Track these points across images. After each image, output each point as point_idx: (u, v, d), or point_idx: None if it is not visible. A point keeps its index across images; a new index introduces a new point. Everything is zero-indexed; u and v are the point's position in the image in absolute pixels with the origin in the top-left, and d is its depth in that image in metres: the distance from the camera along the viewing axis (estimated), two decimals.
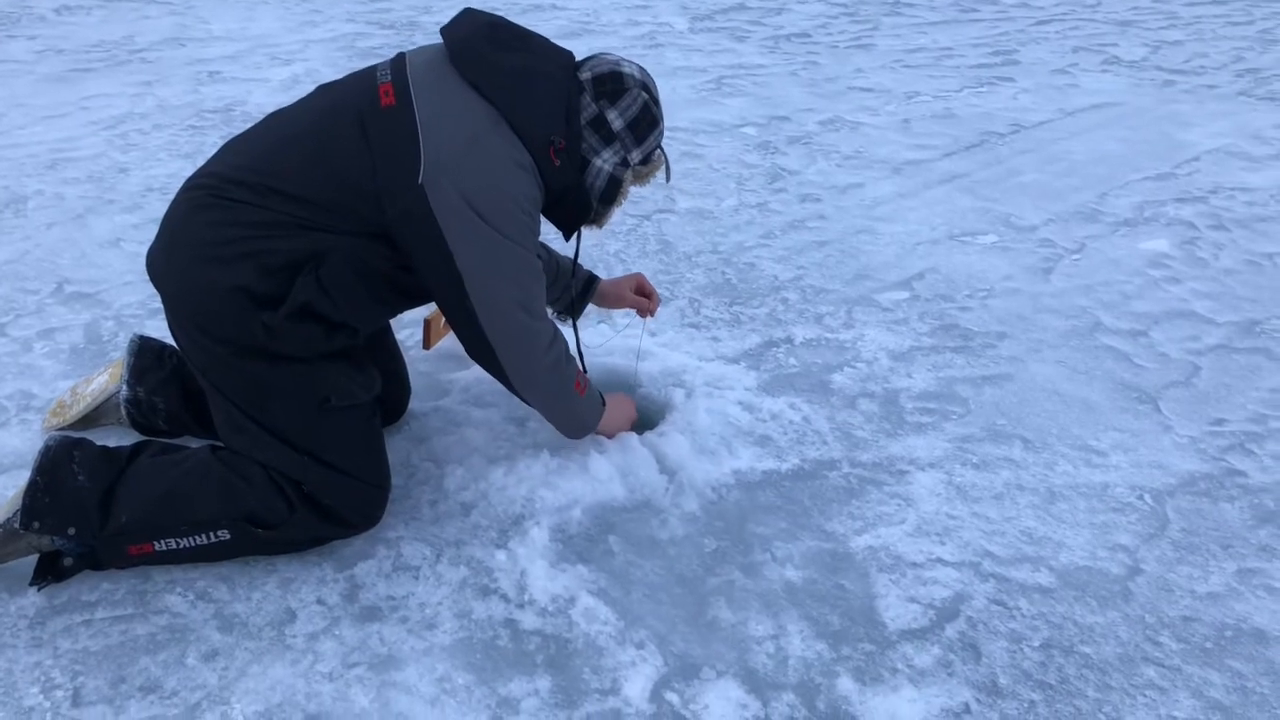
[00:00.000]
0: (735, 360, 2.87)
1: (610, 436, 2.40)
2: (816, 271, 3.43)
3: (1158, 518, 2.38)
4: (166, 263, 2.02)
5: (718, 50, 5.85)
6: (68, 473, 1.94)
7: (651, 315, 2.67)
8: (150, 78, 4.89)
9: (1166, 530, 2.34)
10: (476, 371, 2.66)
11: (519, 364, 2.11)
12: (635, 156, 2.14)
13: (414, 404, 2.54)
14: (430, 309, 2.71)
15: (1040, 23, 6.76)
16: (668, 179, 2.29)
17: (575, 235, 2.27)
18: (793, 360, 2.90)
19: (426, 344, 2.73)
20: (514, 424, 2.49)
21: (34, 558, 1.99)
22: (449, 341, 2.82)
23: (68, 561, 1.98)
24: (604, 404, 2.34)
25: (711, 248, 3.54)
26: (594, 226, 2.23)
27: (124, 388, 2.31)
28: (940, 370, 2.91)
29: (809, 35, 6.31)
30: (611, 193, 2.14)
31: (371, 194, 1.92)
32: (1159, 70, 5.93)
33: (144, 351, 2.33)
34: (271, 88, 4.74)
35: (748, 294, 3.25)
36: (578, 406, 2.26)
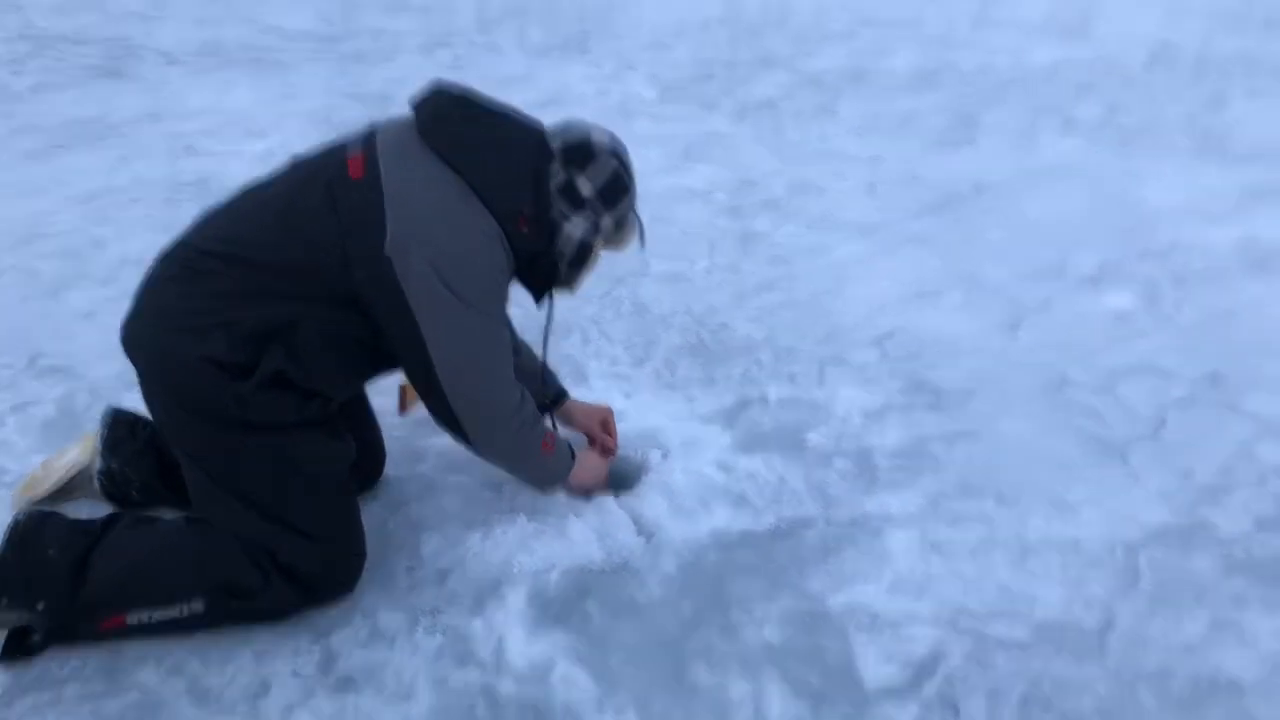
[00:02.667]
0: (711, 420, 2.89)
1: (583, 492, 2.41)
2: (788, 331, 3.47)
3: (1130, 570, 2.40)
4: (139, 334, 2.03)
5: (687, 119, 5.95)
6: (37, 546, 1.93)
7: (605, 458, 2.64)
8: (126, 152, 4.93)
9: (1139, 583, 2.36)
10: None
11: (483, 431, 2.13)
12: (607, 222, 2.17)
13: (389, 470, 2.54)
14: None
15: (1000, 85, 6.92)
16: (642, 244, 2.32)
17: (548, 302, 2.29)
18: (767, 419, 2.92)
19: (402, 409, 2.74)
20: (490, 489, 2.49)
21: (1, 635, 1.96)
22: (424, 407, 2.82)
23: (36, 638, 1.95)
24: (573, 458, 2.35)
25: (685, 309, 3.58)
26: (565, 291, 2.26)
27: (97, 460, 2.30)
28: (913, 427, 2.93)
29: (775, 103, 6.44)
30: (582, 257, 2.17)
31: (339, 262, 1.95)
32: (1116, 130, 6.08)
33: (117, 424, 2.33)
34: (247, 160, 4.79)
35: (722, 354, 3.28)
36: (545, 464, 2.28)
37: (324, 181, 2.01)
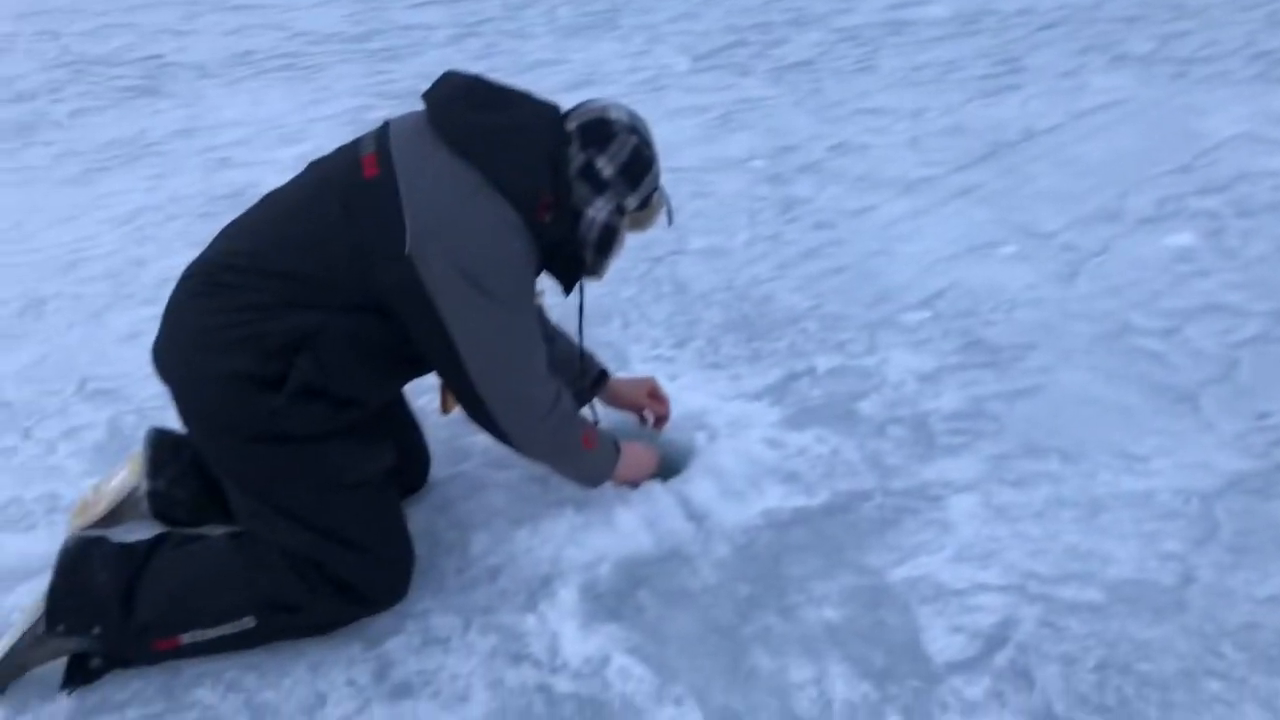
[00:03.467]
0: (758, 397, 2.82)
1: (631, 485, 2.35)
2: (835, 298, 3.38)
3: (1208, 521, 2.29)
4: (168, 355, 2.02)
5: (721, 87, 5.83)
6: (88, 571, 1.93)
7: (659, 428, 2.61)
8: (163, 170, 4.95)
9: (1218, 534, 2.25)
10: None
11: (520, 428, 2.08)
12: (631, 202, 2.10)
13: (435, 471, 2.51)
14: None
15: (1043, 28, 6.68)
16: (670, 221, 2.25)
17: (578, 291, 2.23)
18: (816, 391, 2.84)
19: (444, 409, 2.70)
20: (536, 483, 2.45)
21: (63, 661, 1.97)
22: None
23: (95, 662, 1.96)
24: (619, 451, 2.29)
25: (726, 285, 3.50)
26: (593, 278, 2.20)
27: (144, 482, 2.30)
28: (969, 388, 2.84)
29: (812, 63, 6.28)
30: (607, 242, 2.10)
31: (360, 267, 1.91)
32: (1170, 62, 5.84)
33: (160, 445, 2.33)
34: (281, 167, 4.78)
35: (766, 328, 3.20)
36: (587, 461, 2.22)
37: (339, 186, 1.97)
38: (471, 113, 1.98)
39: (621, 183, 2.07)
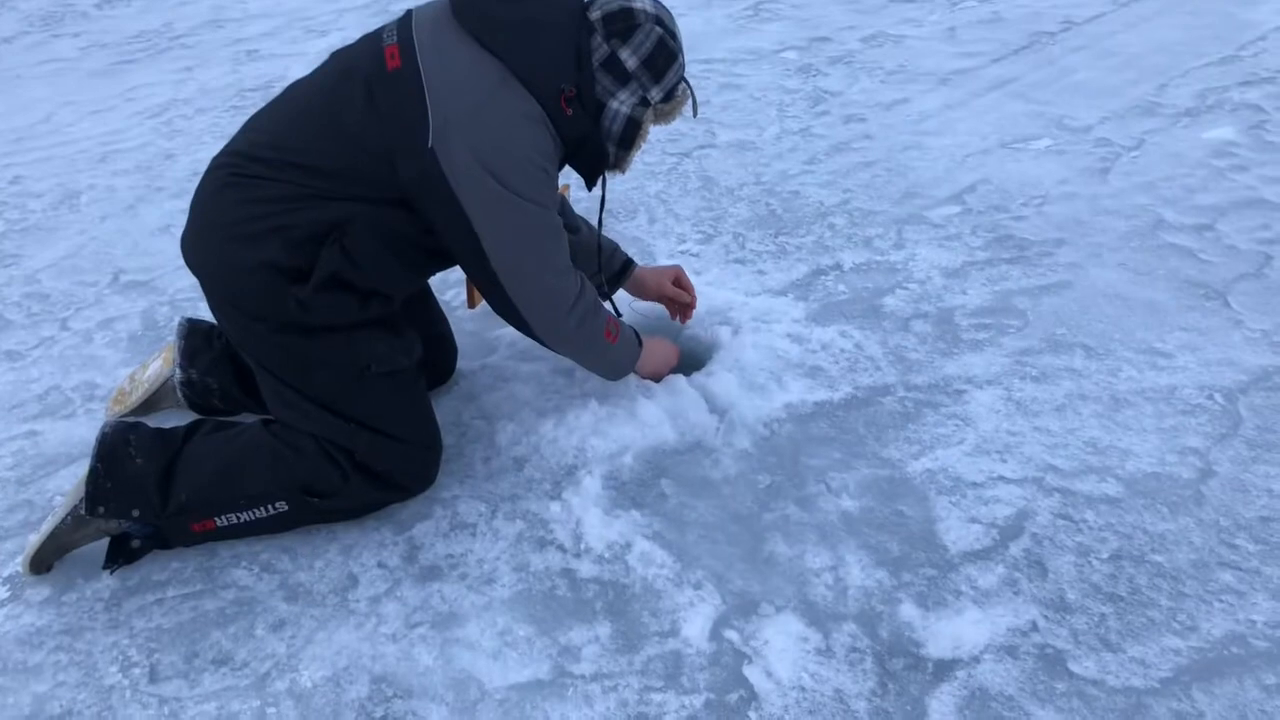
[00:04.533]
0: (782, 292, 2.82)
1: (653, 379, 2.38)
2: (864, 193, 3.35)
3: (1230, 417, 2.29)
4: (196, 245, 2.04)
5: None
6: (125, 456, 1.99)
7: (684, 320, 2.61)
8: (191, 63, 4.94)
9: (1240, 429, 2.26)
10: None
11: (545, 321, 2.10)
12: (655, 94, 2.08)
13: (462, 363, 2.55)
14: None
15: None
16: (694, 113, 2.22)
17: (601, 185, 2.23)
18: (842, 287, 2.84)
19: (471, 303, 2.73)
20: (562, 375, 2.48)
21: (104, 542, 2.05)
22: None
23: (136, 543, 2.03)
24: (640, 345, 2.32)
25: (754, 179, 3.47)
26: (616, 172, 2.19)
27: (177, 371, 2.35)
28: (996, 284, 2.82)
29: None
30: (630, 135, 2.08)
31: (385, 160, 1.91)
32: None
33: (193, 334, 2.37)
34: (309, 60, 4.75)
35: (793, 223, 3.19)
36: (610, 354, 2.24)
37: (362, 76, 1.96)
38: (494, 3, 1.96)
39: (645, 75, 2.04)
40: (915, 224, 3.15)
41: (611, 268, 2.49)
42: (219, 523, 2.03)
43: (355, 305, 2.01)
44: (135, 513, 1.98)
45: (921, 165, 3.53)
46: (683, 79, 2.13)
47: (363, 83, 1.94)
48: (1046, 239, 3.02)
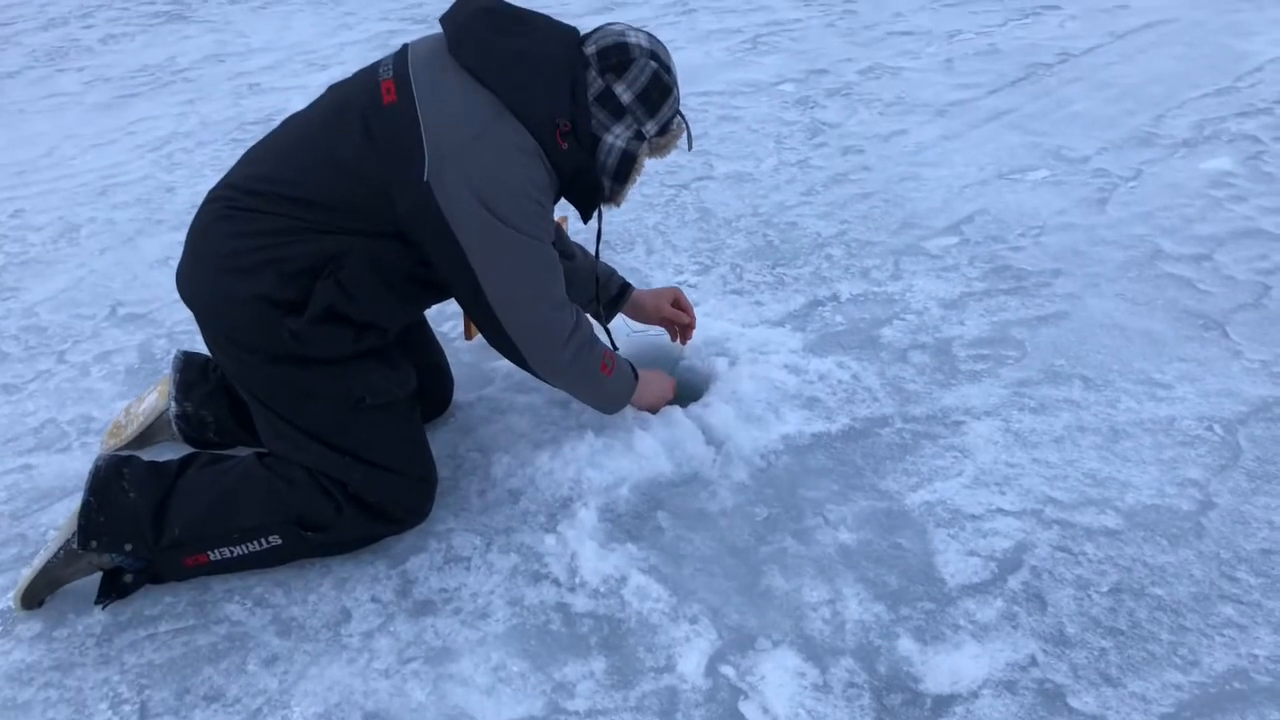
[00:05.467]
0: (780, 323, 2.82)
1: (649, 411, 2.37)
2: (861, 224, 3.35)
3: (1229, 448, 2.28)
4: (191, 278, 2.05)
5: (751, 9, 5.74)
6: (118, 490, 1.98)
7: (685, 341, 2.61)
8: (193, 96, 4.97)
9: (1239, 460, 2.25)
10: None
11: (540, 354, 2.09)
12: (650, 128, 2.08)
13: (458, 394, 2.55)
14: None
15: None
16: (690, 146, 2.23)
17: (597, 218, 2.23)
18: (839, 318, 2.84)
19: (468, 335, 2.73)
20: (558, 407, 2.47)
21: (97, 576, 2.04)
22: None
23: (128, 578, 2.02)
24: (636, 377, 2.31)
25: (752, 210, 3.47)
26: (611, 205, 2.19)
27: (172, 404, 2.35)
28: (994, 314, 2.82)
29: None
30: (625, 169, 2.08)
31: (381, 193, 1.91)
32: None
33: (188, 366, 2.37)
34: (309, 94, 4.78)
35: (790, 254, 3.19)
36: (606, 387, 2.23)
37: (359, 111, 1.96)
38: (490, 37, 1.97)
39: (640, 108, 2.04)
40: (913, 255, 3.15)
41: (609, 292, 2.49)
42: (212, 557, 2.02)
43: (350, 338, 2.01)
44: (128, 547, 1.97)
45: (919, 196, 3.53)
46: (678, 112, 2.13)
47: (359, 117, 1.95)
48: (1044, 269, 3.02)
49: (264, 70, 5.26)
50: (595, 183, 2.09)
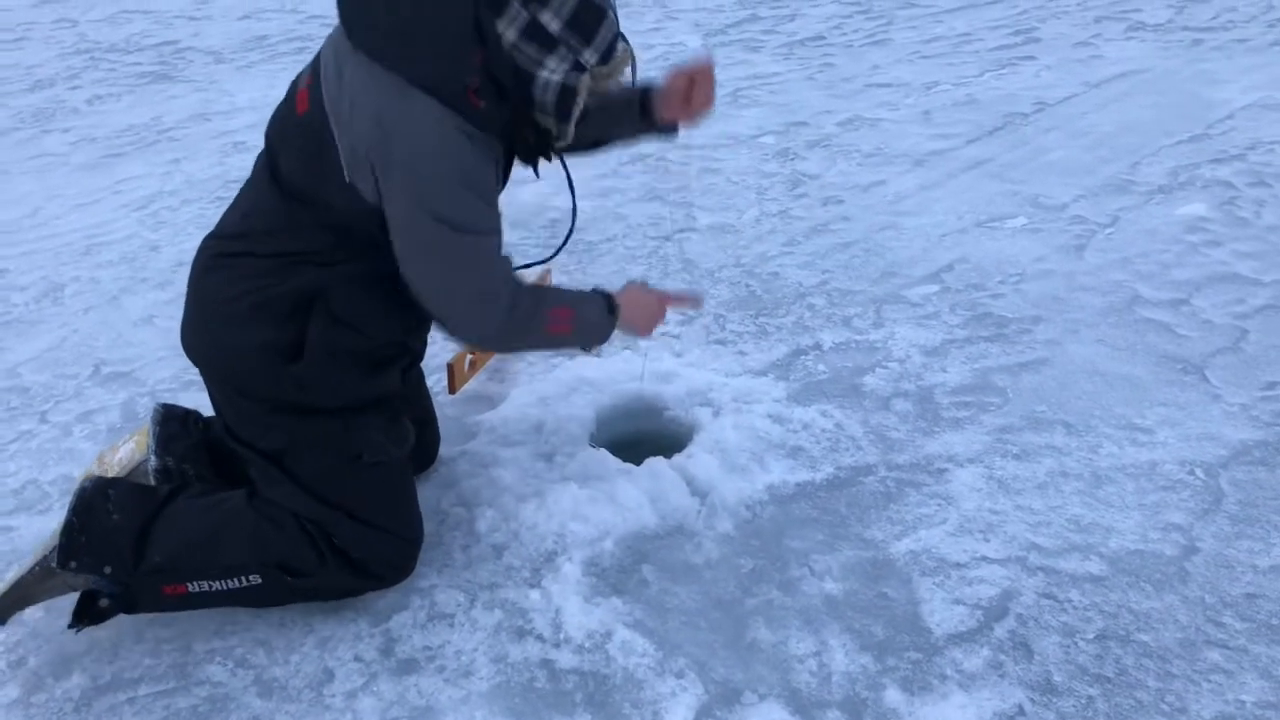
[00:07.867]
0: (763, 373, 2.83)
1: (644, 335, 2.29)
2: (842, 274, 3.38)
3: (1211, 492, 2.29)
4: (192, 332, 2.05)
5: (732, 63, 5.81)
6: (103, 511, 1.97)
7: (703, 108, 2.23)
8: (178, 155, 4.99)
9: (1222, 504, 2.25)
10: (504, 412, 2.66)
11: (482, 333, 2.05)
12: (589, 57, 1.84)
13: (442, 449, 2.54)
14: (452, 355, 2.72)
15: None
16: (634, 75, 2.01)
17: (562, 165, 2.10)
18: (822, 367, 2.85)
19: (452, 389, 2.73)
20: (542, 459, 2.47)
21: (69, 605, 2.00)
22: (474, 384, 2.82)
23: (104, 602, 1.99)
24: (613, 309, 2.15)
25: (734, 261, 3.50)
26: (562, 145, 1.97)
27: (152, 458, 2.33)
28: (975, 361, 2.83)
29: (823, 38, 6.25)
30: (566, 105, 1.86)
31: (322, 206, 1.89)
32: (1186, 30, 5.78)
33: (168, 419, 2.34)
34: None
35: (773, 304, 3.20)
36: (569, 340, 2.14)
37: (282, 129, 1.97)
38: (380, 12, 1.82)
39: (573, 36, 1.81)
40: (894, 303, 3.17)
41: (635, 117, 2.23)
42: (191, 589, 1.99)
43: (354, 383, 2.00)
44: (107, 569, 1.94)
45: (899, 245, 3.56)
46: (619, 35, 1.90)
47: (282, 136, 1.95)
48: (1024, 316, 3.04)
49: (249, 129, 5.28)
50: (536, 126, 1.95)
